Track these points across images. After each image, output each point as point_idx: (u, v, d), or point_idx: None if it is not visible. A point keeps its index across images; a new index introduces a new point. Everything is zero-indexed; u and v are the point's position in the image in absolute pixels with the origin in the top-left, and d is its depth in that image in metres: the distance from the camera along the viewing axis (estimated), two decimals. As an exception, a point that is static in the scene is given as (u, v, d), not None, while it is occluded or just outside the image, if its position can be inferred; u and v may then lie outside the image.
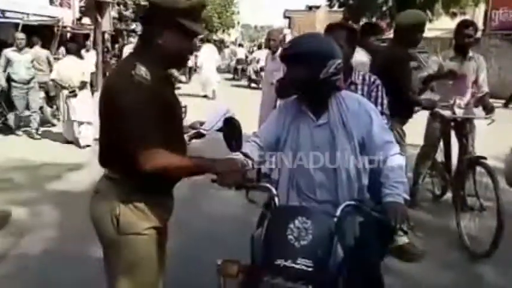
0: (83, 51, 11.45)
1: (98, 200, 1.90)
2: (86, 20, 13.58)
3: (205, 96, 13.12)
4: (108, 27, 14.31)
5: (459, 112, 4.25)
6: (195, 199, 4.60)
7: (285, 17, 42.33)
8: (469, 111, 4.28)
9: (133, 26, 20.94)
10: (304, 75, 1.92)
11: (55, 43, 10.96)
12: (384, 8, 19.55)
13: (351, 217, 1.93)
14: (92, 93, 7.95)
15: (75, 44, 8.84)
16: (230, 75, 20.27)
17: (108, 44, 17.20)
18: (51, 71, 7.88)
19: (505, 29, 16.67)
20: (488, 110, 4.11)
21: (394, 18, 6.98)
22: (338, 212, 1.80)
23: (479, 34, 13.63)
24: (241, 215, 3.58)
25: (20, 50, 7.56)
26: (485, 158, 3.80)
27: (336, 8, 23.39)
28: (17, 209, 4.43)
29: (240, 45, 26.78)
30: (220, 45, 33.74)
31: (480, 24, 16.64)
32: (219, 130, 2.06)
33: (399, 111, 3.38)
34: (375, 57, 3.83)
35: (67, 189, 5.04)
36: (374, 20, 18.64)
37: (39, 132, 7.86)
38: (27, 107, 7.73)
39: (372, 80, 2.64)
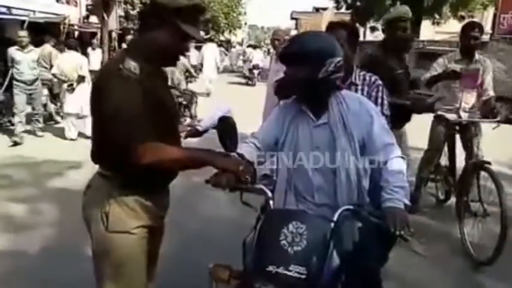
0: (89, 50, 11.51)
1: (89, 196, 1.89)
2: (93, 19, 13.64)
3: (208, 94, 13.26)
4: (115, 26, 14.36)
5: (464, 116, 4.19)
6: (190, 200, 4.54)
7: (292, 18, 42.30)
8: (474, 115, 4.22)
9: (140, 25, 20.94)
10: (303, 75, 1.87)
11: (61, 41, 10.97)
12: (391, 10, 19.43)
13: (349, 222, 1.86)
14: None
15: (75, 40, 8.87)
16: (240, 79, 19.32)
17: (115, 43, 17.23)
18: (51, 67, 7.88)
19: (513, 33, 16.52)
20: (494, 113, 4.04)
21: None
22: (335, 217, 1.73)
23: (487, 37, 13.52)
24: (237, 218, 3.52)
25: (23, 48, 7.25)
26: (489, 163, 3.73)
27: (343, 10, 23.35)
28: (16, 206, 4.41)
29: (255, 46, 25.16)
30: (227, 45, 33.73)
31: (488, 27, 16.51)
32: (215, 128, 2.01)
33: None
34: None
35: (67, 186, 5.01)
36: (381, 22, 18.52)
37: (41, 131, 7.80)
38: (32, 107, 7.63)
39: (373, 80, 2.58)
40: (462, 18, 18.78)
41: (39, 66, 7.69)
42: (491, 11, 19.25)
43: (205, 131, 2.20)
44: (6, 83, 7.65)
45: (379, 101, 2.55)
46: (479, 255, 3.59)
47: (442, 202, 4.74)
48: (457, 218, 3.99)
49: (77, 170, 5.51)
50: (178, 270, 3.03)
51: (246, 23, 48.88)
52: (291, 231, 1.62)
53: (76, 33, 13.04)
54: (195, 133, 2.21)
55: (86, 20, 13.86)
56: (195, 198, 4.59)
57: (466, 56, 4.19)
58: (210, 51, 14.10)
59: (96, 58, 11.11)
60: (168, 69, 8.64)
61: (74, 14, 12.73)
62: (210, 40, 19.42)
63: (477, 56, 4.22)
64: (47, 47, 8.52)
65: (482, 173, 3.77)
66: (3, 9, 9.73)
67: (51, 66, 8.08)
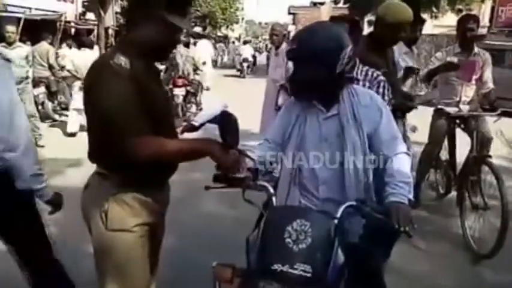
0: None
1: (88, 195, 1.88)
2: (90, 16, 13.58)
3: (207, 89, 13.32)
4: (112, 22, 14.30)
5: (464, 109, 4.18)
6: (191, 198, 4.49)
7: (290, 13, 42.12)
8: (474, 108, 4.21)
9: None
10: (321, 74, 1.84)
11: (58, 38, 10.93)
12: (389, 4, 19.36)
13: (353, 218, 1.85)
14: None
15: (89, 38, 8.83)
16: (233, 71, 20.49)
17: (112, 40, 17.16)
18: (49, 66, 7.82)
19: (511, 26, 16.52)
20: (494, 107, 4.04)
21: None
22: (338, 213, 1.72)
23: (484, 31, 13.49)
24: (240, 215, 3.51)
25: (9, 44, 6.43)
26: (490, 156, 3.73)
27: (341, 4, 23.24)
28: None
29: (246, 41, 26.55)
30: (225, 41, 33.60)
31: (486, 21, 16.49)
32: (210, 122, 2.00)
33: None
34: None
35: (67, 185, 4.97)
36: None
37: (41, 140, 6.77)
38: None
39: (375, 75, 2.56)
40: (460, 11, 18.71)
41: (35, 63, 7.63)
42: (489, 4, 19.23)
43: (201, 125, 2.19)
44: None
45: (380, 96, 2.53)
46: (480, 249, 3.59)
47: (442, 196, 4.74)
48: (458, 212, 4.00)
49: (77, 167, 5.46)
50: (180, 269, 3.02)
51: (243, 19, 48.68)
52: (295, 229, 1.60)
53: (73, 30, 12.99)
54: (191, 128, 2.20)
55: (82, 17, 13.79)
56: (196, 196, 4.56)
57: (465, 49, 4.18)
58: (205, 47, 14.16)
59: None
60: (181, 61, 8.79)
61: (70, 11, 12.68)
62: (203, 36, 19.58)
63: (476, 49, 4.21)
64: (44, 45, 8.42)
65: (483, 167, 3.77)
66: (-1, 7, 9.71)
67: (49, 64, 8.04)
